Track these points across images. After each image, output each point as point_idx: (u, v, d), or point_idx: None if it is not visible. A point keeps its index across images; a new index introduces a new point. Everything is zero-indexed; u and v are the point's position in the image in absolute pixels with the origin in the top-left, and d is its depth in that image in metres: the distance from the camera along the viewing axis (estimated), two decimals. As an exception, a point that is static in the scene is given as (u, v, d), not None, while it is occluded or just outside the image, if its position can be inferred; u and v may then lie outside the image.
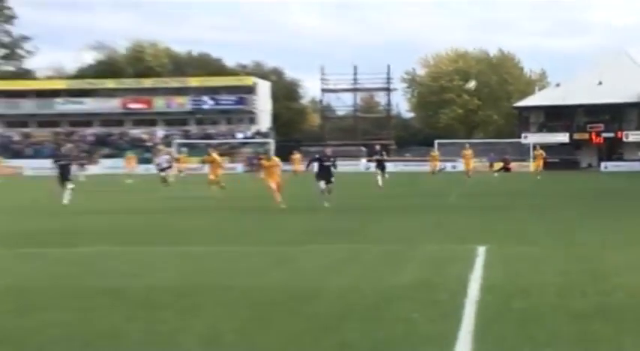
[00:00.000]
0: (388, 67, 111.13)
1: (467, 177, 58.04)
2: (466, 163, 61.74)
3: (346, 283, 12.48)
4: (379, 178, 43.83)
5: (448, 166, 73.84)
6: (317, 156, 31.58)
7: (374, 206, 31.11)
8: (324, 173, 28.18)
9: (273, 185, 27.34)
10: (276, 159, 28.90)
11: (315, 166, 31.93)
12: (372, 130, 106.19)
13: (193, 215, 26.87)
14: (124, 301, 11.09)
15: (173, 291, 11.99)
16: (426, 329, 8.96)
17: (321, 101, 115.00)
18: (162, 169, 50.17)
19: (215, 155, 41.21)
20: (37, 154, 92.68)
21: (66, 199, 31.28)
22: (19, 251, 17.50)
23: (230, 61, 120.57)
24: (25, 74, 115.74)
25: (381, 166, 45.97)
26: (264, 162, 30.65)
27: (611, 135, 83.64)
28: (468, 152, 62.68)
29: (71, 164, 35.36)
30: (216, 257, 16.51)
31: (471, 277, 12.52)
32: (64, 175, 33.20)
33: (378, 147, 62.49)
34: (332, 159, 29.60)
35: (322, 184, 27.80)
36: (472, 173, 61.00)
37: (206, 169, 41.87)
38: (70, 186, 31.72)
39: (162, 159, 54.98)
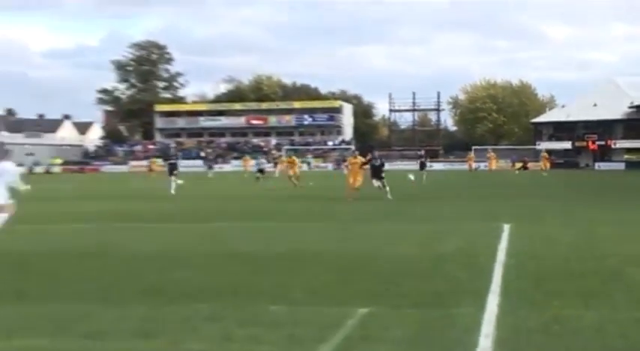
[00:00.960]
0: (438, 93, 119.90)
1: (489, 172, 60.84)
2: (490, 163, 65.49)
3: (404, 251, 12.25)
4: (424, 176, 41.77)
5: (481, 165, 71.99)
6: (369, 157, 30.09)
7: (422, 196, 30.09)
8: (376, 172, 26.09)
9: (353, 182, 25.38)
10: (360, 158, 27.50)
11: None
12: (426, 140, 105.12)
13: (288, 201, 26.17)
14: (244, 262, 11.01)
15: (280, 255, 11.71)
16: (466, 285, 8.87)
17: (389, 118, 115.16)
18: (261, 170, 47.94)
19: (294, 158, 42.41)
20: (185, 156, 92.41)
21: (173, 189, 30.45)
22: (166, 226, 17.65)
23: (323, 90, 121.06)
24: (179, 100, 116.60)
25: (422, 166, 44.89)
26: (351, 159, 29.73)
27: (603, 143, 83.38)
28: (491, 155, 66.92)
29: (177, 163, 34.66)
30: (306, 231, 16.38)
31: (498, 247, 12.22)
32: (171, 171, 32.75)
33: (421, 152, 64.00)
34: (380, 160, 28.08)
35: (374, 181, 25.74)
36: (494, 170, 63.60)
37: (286, 167, 41.22)
38: (176, 180, 30.57)
39: (258, 161, 53.75)
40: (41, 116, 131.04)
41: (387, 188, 25.45)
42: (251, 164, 66.33)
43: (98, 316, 7.33)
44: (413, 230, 16.31)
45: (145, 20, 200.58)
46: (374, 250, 12.43)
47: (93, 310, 7.60)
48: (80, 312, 7.46)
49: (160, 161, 72.57)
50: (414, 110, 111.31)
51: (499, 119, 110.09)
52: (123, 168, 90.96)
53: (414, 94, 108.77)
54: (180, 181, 33.25)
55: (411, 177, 37.18)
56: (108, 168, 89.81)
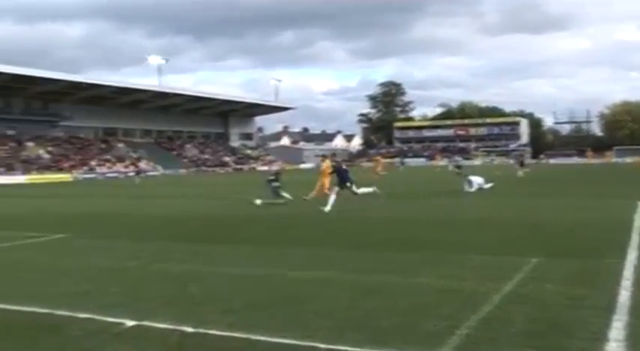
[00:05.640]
0: (587, 111, 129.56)
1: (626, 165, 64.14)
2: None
3: (561, 217, 13.72)
4: (520, 172, 40.05)
5: (619, 160, 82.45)
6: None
7: (568, 180, 34.40)
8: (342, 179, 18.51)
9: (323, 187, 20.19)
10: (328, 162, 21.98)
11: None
12: (578, 142, 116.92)
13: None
14: (447, 226, 12.67)
15: (476, 220, 13.69)
16: (611, 242, 9.92)
17: (553, 129, 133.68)
18: (458, 166, 40.48)
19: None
20: (415, 155, 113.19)
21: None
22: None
23: (507, 109, 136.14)
24: (409, 119, 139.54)
25: (520, 163, 44.62)
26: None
27: None
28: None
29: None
30: (489, 204, 18.51)
31: (634, 217, 13.29)
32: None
33: (519, 153, 71.97)
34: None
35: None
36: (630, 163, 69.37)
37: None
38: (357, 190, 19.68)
39: (454, 159, 59.69)
40: (323, 131, 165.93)
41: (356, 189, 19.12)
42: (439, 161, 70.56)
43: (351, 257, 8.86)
44: (563, 204, 17.77)
45: (384, 68, 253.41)
46: (537, 218, 13.75)
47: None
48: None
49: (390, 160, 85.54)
50: (570, 122, 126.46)
51: (634, 127, 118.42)
52: (370, 164, 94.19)
53: (571, 111, 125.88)
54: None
55: (520, 173, 38.57)
56: (365, 164, 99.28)
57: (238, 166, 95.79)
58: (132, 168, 68.73)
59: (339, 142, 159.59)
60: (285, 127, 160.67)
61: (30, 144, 77.82)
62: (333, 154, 18.15)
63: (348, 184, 18.65)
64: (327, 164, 22.25)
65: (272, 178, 21.87)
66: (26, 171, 68.31)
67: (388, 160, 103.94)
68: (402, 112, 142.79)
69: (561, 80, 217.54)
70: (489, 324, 5.40)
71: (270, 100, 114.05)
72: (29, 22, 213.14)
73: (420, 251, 9.55)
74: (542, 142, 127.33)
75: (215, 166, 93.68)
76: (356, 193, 19.10)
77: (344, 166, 19.78)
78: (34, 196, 33.11)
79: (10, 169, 68.43)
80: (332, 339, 5.01)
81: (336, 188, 18.56)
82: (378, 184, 22.20)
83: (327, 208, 17.02)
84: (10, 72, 69.52)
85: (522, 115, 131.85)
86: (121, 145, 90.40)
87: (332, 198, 17.71)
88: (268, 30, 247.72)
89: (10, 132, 78.14)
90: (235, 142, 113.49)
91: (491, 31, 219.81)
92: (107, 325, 5.74)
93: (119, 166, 79.12)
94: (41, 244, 12.22)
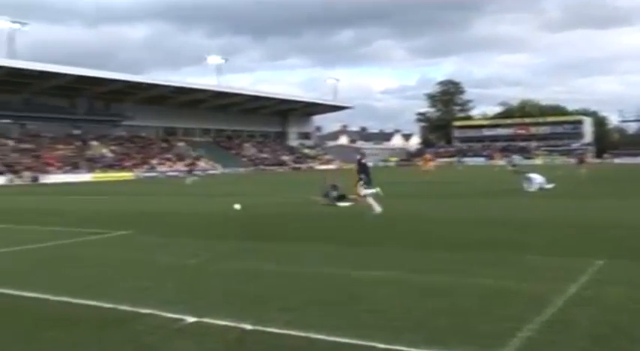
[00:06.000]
0: None
1: None
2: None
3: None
4: (582, 170, 39.69)
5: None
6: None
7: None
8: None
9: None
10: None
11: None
12: None
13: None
14: (515, 226, 12.75)
15: (541, 220, 14.45)
16: None
17: (619, 128, 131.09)
18: (514, 165, 50.48)
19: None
20: (475, 155, 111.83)
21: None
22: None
23: (570, 108, 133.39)
24: (468, 117, 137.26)
25: (580, 161, 44.66)
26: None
27: None
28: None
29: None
30: (551, 205, 18.41)
31: None
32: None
33: (580, 152, 68.19)
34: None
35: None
36: None
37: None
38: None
39: (512, 158, 59.43)
40: (381, 131, 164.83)
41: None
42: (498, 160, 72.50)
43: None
44: (628, 204, 17.86)
45: (443, 66, 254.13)
46: (601, 219, 13.87)
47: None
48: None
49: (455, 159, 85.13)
50: (638, 121, 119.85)
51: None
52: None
53: (637, 108, 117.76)
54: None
55: (582, 171, 38.47)
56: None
57: (296, 165, 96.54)
58: (185, 167, 67.61)
59: (397, 141, 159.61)
60: (343, 127, 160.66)
61: (94, 143, 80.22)
62: (362, 153, 17.13)
63: (362, 182, 17.15)
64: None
65: (330, 189, 21.53)
66: (91, 169, 70.60)
67: (446, 160, 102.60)
68: (461, 110, 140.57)
69: (628, 77, 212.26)
70: (552, 326, 5.32)
71: (328, 99, 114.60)
72: (95, 26, 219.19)
73: (480, 251, 9.49)
74: (607, 141, 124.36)
75: (273, 165, 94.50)
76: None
77: (368, 164, 18.39)
78: (97, 194, 34.17)
79: (75, 167, 70.76)
80: (390, 339, 4.99)
81: (363, 188, 17.45)
82: (425, 180, 21.16)
83: (377, 209, 16.41)
84: (75, 73, 72.05)
85: (585, 113, 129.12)
86: (181, 144, 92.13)
87: (369, 199, 16.80)
88: (326, 29, 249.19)
89: (76, 131, 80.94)
90: (293, 141, 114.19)
91: (553, 28, 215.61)
92: (168, 320, 5.86)
93: (179, 165, 79.91)
94: (105, 241, 12.58)
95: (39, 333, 5.52)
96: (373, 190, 17.12)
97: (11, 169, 65.48)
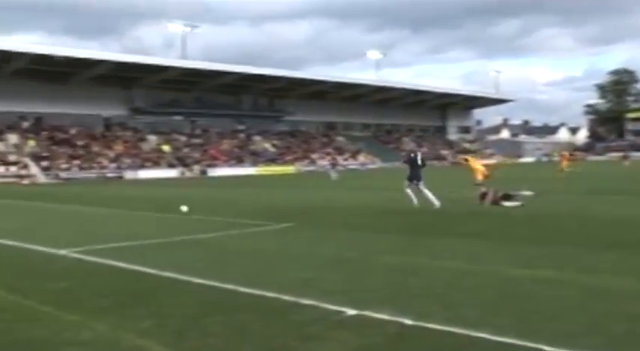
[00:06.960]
0: None
1: None
2: None
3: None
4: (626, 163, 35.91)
5: None
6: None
7: None
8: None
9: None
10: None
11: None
12: None
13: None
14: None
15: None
16: None
17: None
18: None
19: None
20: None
21: None
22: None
23: None
24: None
25: (625, 157, 40.66)
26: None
27: None
28: None
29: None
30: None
31: None
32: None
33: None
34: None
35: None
36: None
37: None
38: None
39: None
40: (545, 124, 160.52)
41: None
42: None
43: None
44: None
45: (613, 55, 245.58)
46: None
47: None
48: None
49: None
50: None
51: None
52: (601, 158, 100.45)
53: None
54: None
55: None
56: (591, 158, 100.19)
57: (456, 160, 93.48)
58: (328, 160, 66.01)
59: (562, 135, 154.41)
60: (505, 120, 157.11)
61: (257, 138, 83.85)
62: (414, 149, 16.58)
63: (415, 181, 17.72)
64: (472, 162, 22.69)
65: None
66: (254, 163, 73.86)
67: (614, 154, 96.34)
68: (635, 101, 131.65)
69: None
70: None
71: (489, 92, 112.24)
72: (258, 25, 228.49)
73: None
74: None
75: (432, 159, 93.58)
76: (421, 192, 17.84)
77: (418, 159, 18.33)
78: (261, 186, 35.61)
79: (240, 161, 74.45)
80: (559, 342, 4.77)
81: (407, 182, 18.13)
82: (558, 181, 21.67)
83: (436, 203, 17.05)
84: (240, 71, 76.28)
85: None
86: (340, 138, 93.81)
87: (407, 190, 17.94)
88: (487, 19, 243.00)
89: (240, 127, 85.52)
90: (453, 136, 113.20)
91: None
92: (329, 312, 5.95)
93: (339, 160, 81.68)
94: (269, 232, 12.98)
95: (206, 317, 5.83)
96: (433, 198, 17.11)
97: (182, 162, 69.86)
